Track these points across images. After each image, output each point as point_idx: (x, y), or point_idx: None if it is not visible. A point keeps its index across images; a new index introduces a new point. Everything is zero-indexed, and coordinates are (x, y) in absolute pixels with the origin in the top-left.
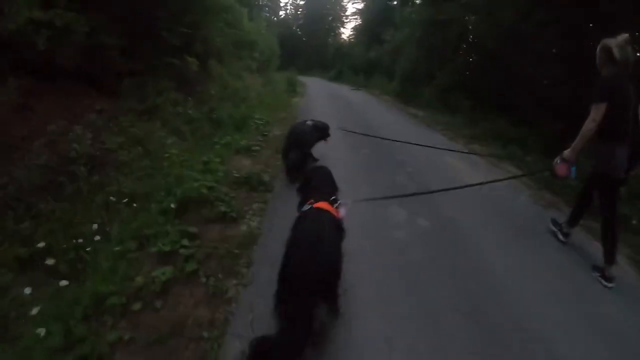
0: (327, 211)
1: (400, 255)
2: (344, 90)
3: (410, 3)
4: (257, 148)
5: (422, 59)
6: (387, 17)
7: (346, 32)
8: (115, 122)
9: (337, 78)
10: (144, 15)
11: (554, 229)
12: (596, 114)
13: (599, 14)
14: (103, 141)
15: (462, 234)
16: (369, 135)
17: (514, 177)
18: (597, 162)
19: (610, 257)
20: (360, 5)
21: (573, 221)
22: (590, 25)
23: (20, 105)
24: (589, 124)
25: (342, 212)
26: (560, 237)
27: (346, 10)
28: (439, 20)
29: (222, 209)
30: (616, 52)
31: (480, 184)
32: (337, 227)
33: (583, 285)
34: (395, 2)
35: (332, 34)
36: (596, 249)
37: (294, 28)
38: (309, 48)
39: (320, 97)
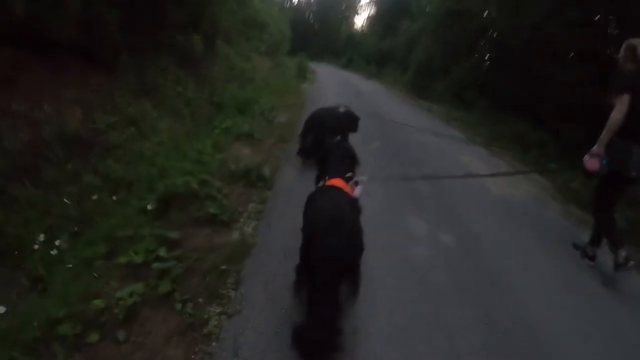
0: (339, 189)
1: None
2: (354, 79)
3: None
4: (259, 136)
5: (438, 52)
6: (402, 8)
7: (359, 21)
8: (111, 101)
9: (348, 66)
10: None
11: (577, 252)
12: (621, 104)
13: (631, 17)
14: (94, 120)
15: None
16: (397, 123)
17: (527, 172)
18: (611, 159)
19: (618, 242)
20: None
21: (597, 240)
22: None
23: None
24: (616, 115)
25: (357, 191)
26: (588, 261)
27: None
28: (456, 12)
29: (212, 210)
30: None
31: (492, 175)
32: (352, 205)
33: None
34: None
35: (345, 22)
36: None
37: (307, 14)
38: (321, 35)
39: (330, 84)
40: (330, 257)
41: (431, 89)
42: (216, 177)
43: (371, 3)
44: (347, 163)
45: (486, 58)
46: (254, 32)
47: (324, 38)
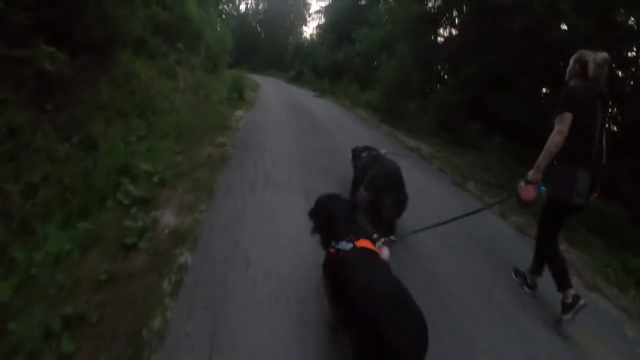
0: (376, 253)
1: None
2: (305, 97)
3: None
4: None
5: (414, 66)
6: (356, 16)
7: (308, 30)
8: None
9: (297, 79)
10: None
11: (516, 279)
12: (562, 125)
13: None
14: None
15: None
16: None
17: (478, 211)
18: (553, 186)
19: (565, 282)
20: (325, 3)
21: (538, 268)
22: None
23: None
24: (555, 137)
25: (385, 252)
26: (526, 289)
27: (309, 8)
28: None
29: None
30: (591, 68)
31: (455, 219)
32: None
33: None
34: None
35: (293, 32)
36: None
37: (254, 24)
38: (268, 45)
39: (274, 108)
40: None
41: (406, 113)
42: None
43: (321, 12)
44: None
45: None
46: (186, 42)
47: (271, 49)
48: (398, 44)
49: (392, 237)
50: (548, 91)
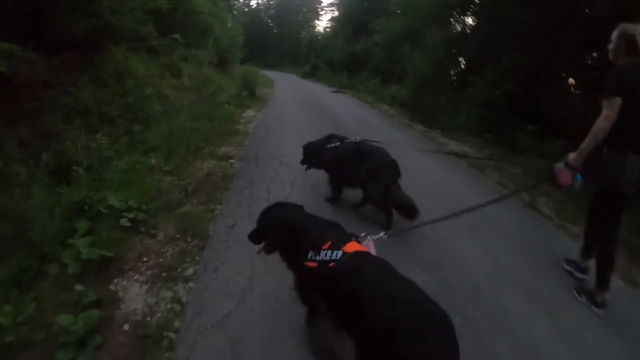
0: (371, 254)
1: None
2: (322, 92)
3: None
4: None
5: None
6: (372, 5)
7: (321, 24)
8: None
9: (312, 74)
10: None
11: (568, 268)
12: (610, 110)
13: None
14: None
15: None
16: None
17: (509, 195)
18: (602, 175)
19: (604, 282)
20: None
21: (588, 251)
22: None
23: None
24: (602, 123)
25: (372, 252)
26: (578, 274)
27: (321, 1)
28: None
29: None
30: None
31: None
32: None
33: None
34: None
35: (306, 26)
36: None
37: (266, 19)
38: (281, 41)
39: (290, 106)
40: None
41: (439, 110)
42: None
43: (334, 4)
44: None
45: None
46: (193, 36)
47: (284, 44)
48: (427, 32)
49: (384, 234)
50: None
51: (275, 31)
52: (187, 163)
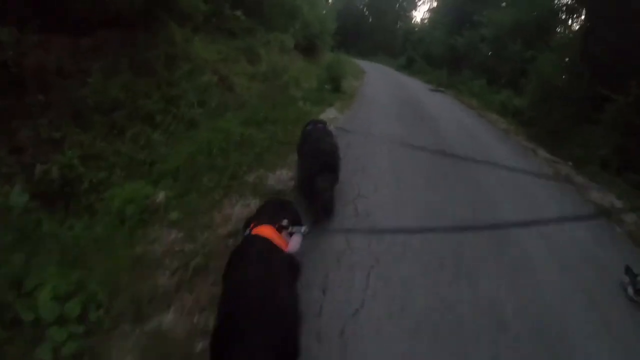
0: (266, 239)
1: None
2: (419, 90)
3: None
4: None
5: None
6: None
7: (418, 15)
8: None
9: (407, 67)
10: None
11: (625, 280)
12: None
13: None
14: None
15: None
16: None
17: None
18: None
19: None
20: None
21: None
22: None
23: None
24: None
25: (293, 243)
26: (630, 292)
27: None
28: None
29: None
30: None
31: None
32: (281, 262)
33: None
34: None
35: (402, 16)
36: None
37: (360, 7)
38: (375, 30)
39: (381, 108)
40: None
41: (571, 132)
42: None
43: None
44: (281, 210)
45: None
46: (277, 19)
47: (378, 34)
48: (560, 27)
49: (303, 228)
50: None
51: (370, 20)
52: (210, 203)
